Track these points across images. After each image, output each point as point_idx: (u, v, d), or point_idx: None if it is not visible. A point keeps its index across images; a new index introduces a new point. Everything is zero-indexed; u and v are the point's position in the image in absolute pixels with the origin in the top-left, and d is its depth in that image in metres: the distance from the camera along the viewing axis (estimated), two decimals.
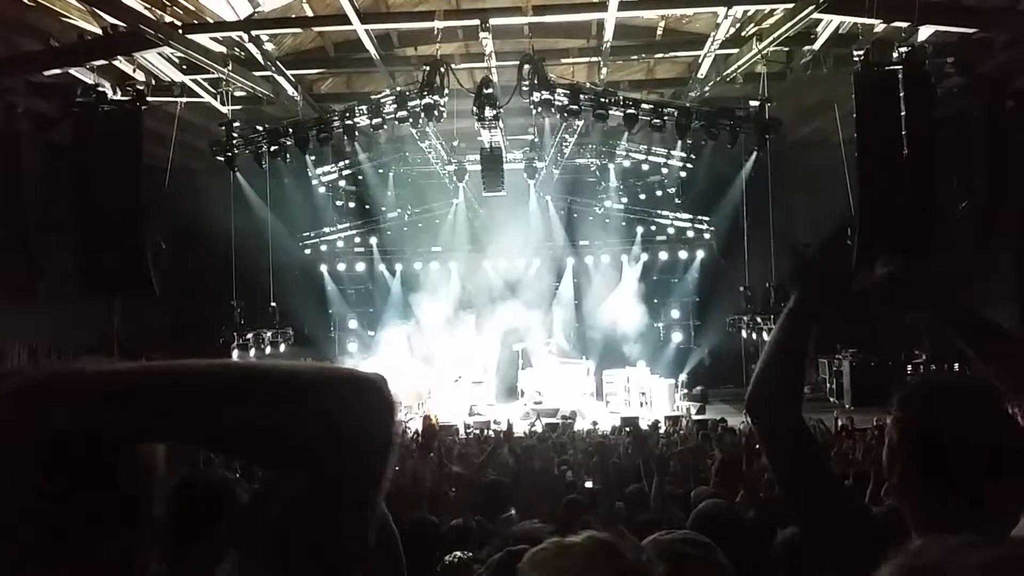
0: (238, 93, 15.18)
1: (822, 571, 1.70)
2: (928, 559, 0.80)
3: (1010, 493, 1.45)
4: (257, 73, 14.55)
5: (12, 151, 14.80)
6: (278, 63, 14.32)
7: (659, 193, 22.83)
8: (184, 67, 14.14)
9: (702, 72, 15.23)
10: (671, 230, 23.36)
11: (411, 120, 14.73)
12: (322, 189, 21.62)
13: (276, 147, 15.24)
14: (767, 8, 12.91)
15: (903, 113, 11.95)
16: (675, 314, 23.88)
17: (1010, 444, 1.45)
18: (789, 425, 1.75)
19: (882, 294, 1.82)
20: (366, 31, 13.00)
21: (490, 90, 14.03)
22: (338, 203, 23.00)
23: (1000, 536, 1.36)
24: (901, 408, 1.56)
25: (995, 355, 1.73)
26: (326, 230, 23.16)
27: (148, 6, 12.15)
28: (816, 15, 11.75)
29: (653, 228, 23.50)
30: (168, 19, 12.40)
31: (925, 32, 12.32)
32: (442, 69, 13.78)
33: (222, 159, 15.12)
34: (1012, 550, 0.79)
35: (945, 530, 1.47)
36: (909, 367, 17.88)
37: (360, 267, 23.97)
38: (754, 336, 17.10)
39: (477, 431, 13.50)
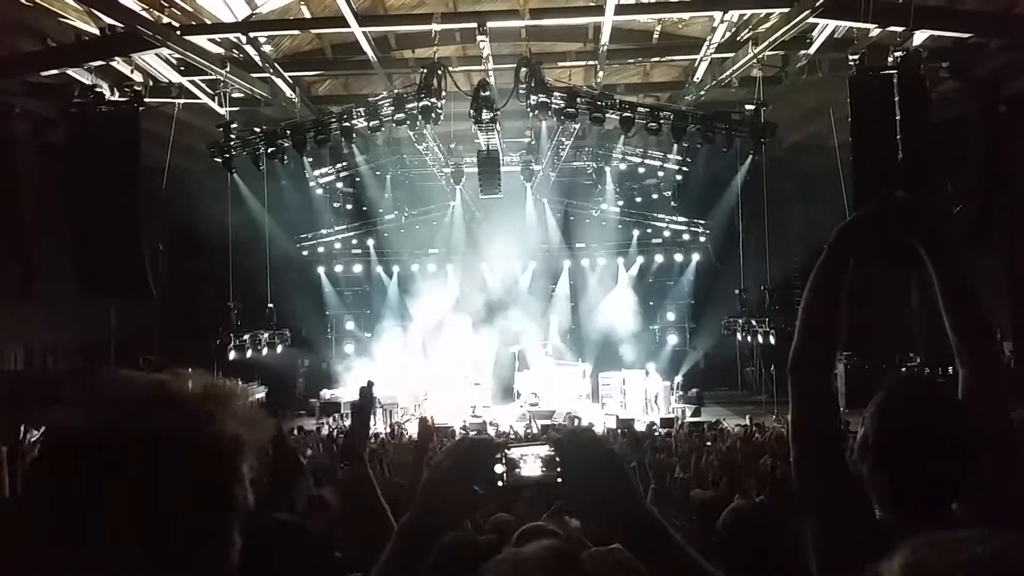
0: (236, 95, 15.18)
1: (824, 561, 1.74)
2: (931, 554, 0.86)
3: (956, 485, 1.69)
4: (255, 75, 14.55)
5: (9, 152, 14.79)
6: (276, 65, 14.34)
7: (655, 196, 22.93)
8: (182, 68, 14.14)
9: (698, 76, 15.28)
10: (667, 233, 23.47)
11: (408, 122, 14.76)
12: (319, 191, 21.65)
13: (274, 149, 15.25)
14: (763, 12, 12.96)
15: (898, 117, 12.00)
16: (671, 316, 23.99)
17: (962, 445, 1.68)
18: (815, 390, 1.82)
19: (886, 217, 1.89)
20: (364, 33, 13.02)
21: (487, 93, 14.07)
22: (335, 205, 23.03)
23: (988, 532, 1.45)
24: (877, 409, 1.78)
25: (959, 320, 1.90)
26: (323, 232, 23.20)
27: (146, 7, 12.16)
28: (811, 20, 11.80)
29: (649, 231, 23.61)
30: (166, 20, 12.40)
31: (920, 36, 12.36)
32: (439, 72, 13.81)
33: (220, 160, 15.12)
34: (1010, 544, 0.86)
35: (903, 514, 1.65)
36: (903, 370, 17.93)
37: (357, 269, 24.01)
38: (749, 339, 17.15)
39: (474, 432, 13.53)
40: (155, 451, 1.02)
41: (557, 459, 1.44)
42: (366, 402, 2.70)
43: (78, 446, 1.02)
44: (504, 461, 1.49)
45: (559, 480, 1.44)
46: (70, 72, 13.02)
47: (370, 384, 2.84)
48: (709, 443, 10.18)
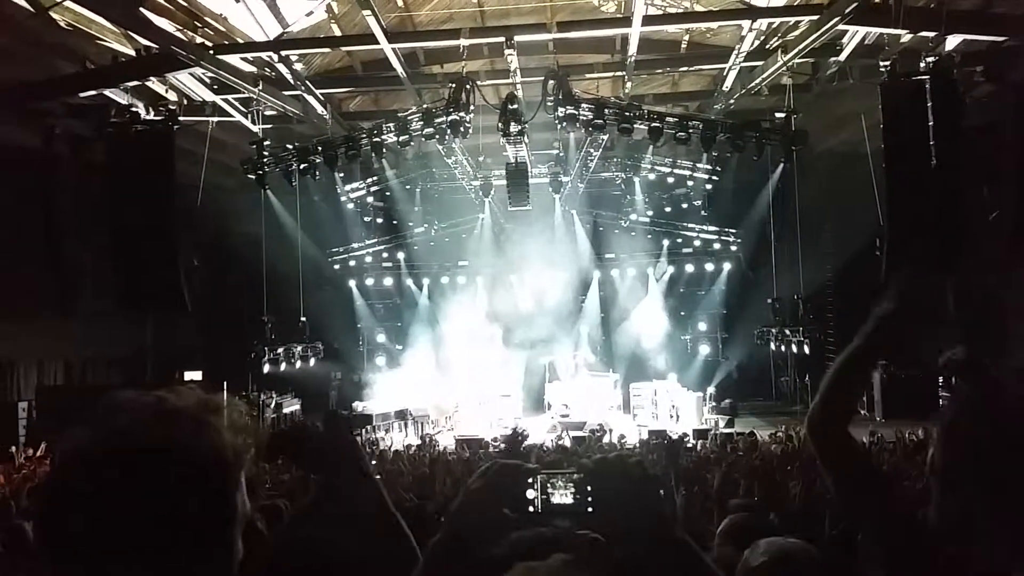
0: (268, 112, 15.39)
1: None
2: None
3: None
4: (287, 92, 14.76)
5: (50, 171, 15.15)
6: (307, 82, 14.54)
7: (685, 206, 22.78)
8: (215, 87, 14.39)
9: (727, 85, 15.20)
10: (697, 242, 23.33)
11: (437, 136, 14.85)
12: (351, 205, 21.85)
13: (306, 165, 15.43)
14: (792, 20, 12.90)
15: (931, 123, 11.79)
16: (702, 326, 23.80)
17: None
18: (838, 441, 1.79)
19: (903, 304, 1.82)
20: (393, 50, 13.16)
21: (515, 106, 14.12)
22: (366, 219, 23.22)
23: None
24: (945, 427, 1.75)
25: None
26: (355, 245, 23.40)
27: (180, 28, 12.44)
28: (841, 26, 11.70)
29: (679, 240, 23.49)
30: (199, 40, 12.66)
31: (953, 41, 12.21)
32: (468, 86, 13.90)
33: (253, 177, 15.31)
34: None
35: (979, 532, 1.60)
36: (940, 379, 17.61)
37: (388, 282, 24.17)
38: (783, 348, 16.96)
39: (504, 443, 13.51)
40: (158, 465, 1.08)
41: (588, 487, 1.44)
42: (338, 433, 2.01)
43: (86, 464, 1.08)
44: (536, 486, 1.49)
45: (590, 509, 1.44)
46: (107, 93, 13.30)
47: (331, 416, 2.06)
48: (741, 454, 10.06)
